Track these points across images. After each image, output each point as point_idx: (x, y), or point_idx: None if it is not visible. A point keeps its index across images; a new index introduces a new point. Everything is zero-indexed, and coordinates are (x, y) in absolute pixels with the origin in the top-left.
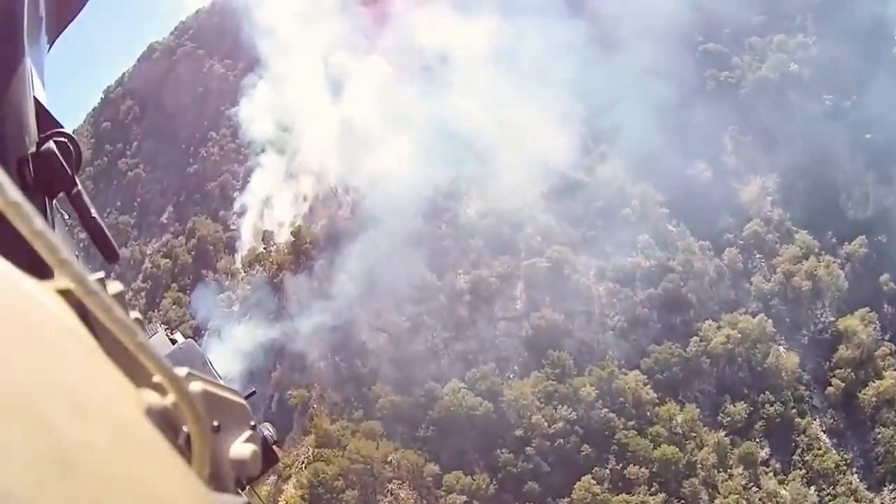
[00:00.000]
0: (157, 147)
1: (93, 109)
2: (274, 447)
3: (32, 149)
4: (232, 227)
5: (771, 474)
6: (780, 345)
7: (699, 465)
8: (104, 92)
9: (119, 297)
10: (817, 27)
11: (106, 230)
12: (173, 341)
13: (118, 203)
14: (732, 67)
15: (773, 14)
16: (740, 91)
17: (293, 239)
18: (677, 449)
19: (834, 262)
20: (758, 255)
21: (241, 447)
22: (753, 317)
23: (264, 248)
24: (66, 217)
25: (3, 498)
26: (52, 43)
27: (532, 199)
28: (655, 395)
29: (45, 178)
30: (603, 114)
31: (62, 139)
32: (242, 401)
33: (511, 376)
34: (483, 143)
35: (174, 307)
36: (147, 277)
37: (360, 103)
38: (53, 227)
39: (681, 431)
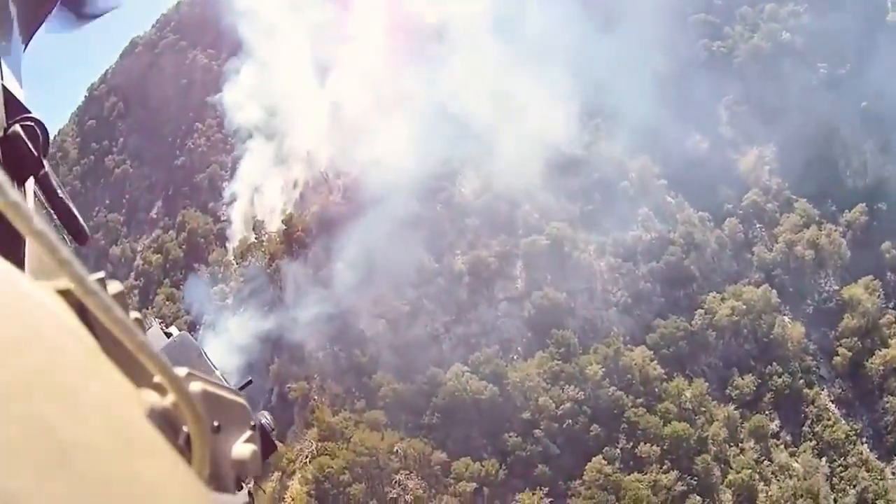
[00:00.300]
0: (143, 142)
1: (77, 108)
2: (272, 436)
3: (0, 134)
4: (223, 219)
5: (782, 447)
6: (784, 315)
7: (710, 441)
8: (88, 90)
9: (119, 297)
10: None
11: (74, 211)
12: (168, 335)
13: (107, 201)
14: (724, 37)
15: None
16: (734, 61)
17: (285, 227)
18: (688, 425)
19: (835, 231)
20: (758, 225)
21: (241, 447)
22: (757, 287)
23: (256, 238)
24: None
25: (3, 498)
26: (27, 41)
27: (529, 176)
28: (663, 371)
29: (13, 163)
30: (598, 87)
31: (28, 122)
32: (242, 401)
33: (515, 358)
34: (478, 120)
35: (167, 303)
36: (139, 275)
37: (350, 84)
38: None
39: (690, 407)
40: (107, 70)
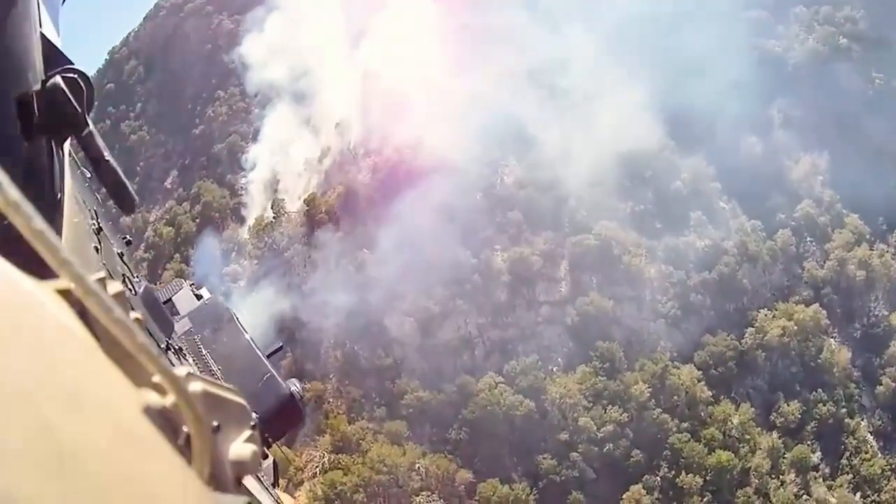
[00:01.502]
0: (161, 108)
1: (97, 71)
2: (302, 405)
3: (37, 86)
4: (240, 193)
5: (820, 479)
6: (832, 338)
7: (753, 473)
8: (109, 53)
9: (119, 296)
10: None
11: (123, 177)
12: (199, 297)
13: (120, 168)
14: (779, 36)
15: None
16: (789, 63)
17: (306, 208)
18: (732, 455)
19: (888, 252)
20: (809, 239)
21: (241, 447)
22: (807, 305)
23: (274, 218)
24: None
25: (3, 498)
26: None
27: (574, 169)
28: (710, 394)
29: (51, 118)
30: (653, 82)
31: (71, 75)
32: (242, 400)
33: (555, 370)
34: (524, 107)
35: (177, 280)
36: (149, 247)
37: (386, 53)
38: (61, 174)
39: (736, 435)
40: (129, 33)
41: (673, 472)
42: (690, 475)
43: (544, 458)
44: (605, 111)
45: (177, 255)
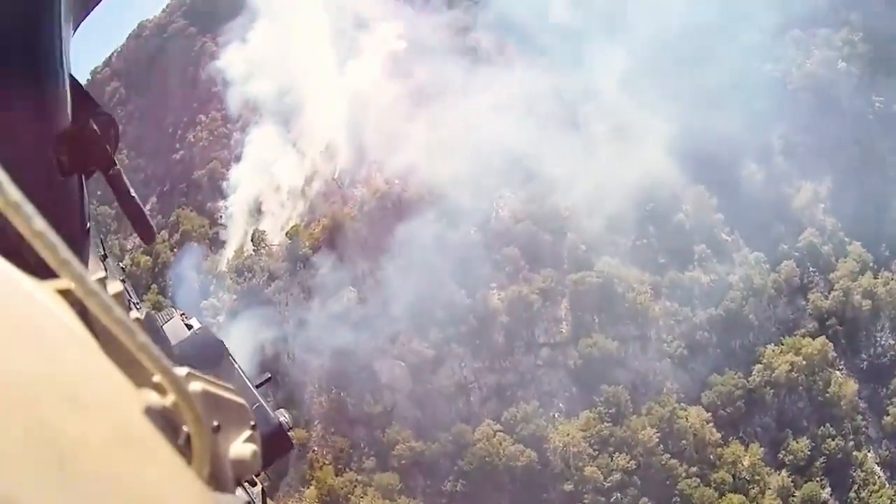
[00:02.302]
0: (142, 132)
1: None
2: (290, 434)
3: (67, 124)
4: (220, 222)
5: None
6: (838, 370)
7: None
8: (91, 73)
9: (119, 297)
10: (862, 22)
11: (144, 211)
12: (189, 326)
13: (98, 192)
14: (776, 60)
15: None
16: (787, 87)
17: (289, 241)
18: (743, 497)
19: (893, 279)
20: (812, 269)
21: (241, 447)
22: (813, 339)
23: (254, 251)
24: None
25: (3, 498)
26: (76, 27)
27: (574, 201)
28: (719, 436)
29: (84, 156)
30: (648, 107)
31: (103, 117)
32: (242, 401)
33: (557, 416)
34: (519, 134)
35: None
36: (126, 276)
37: (373, 75)
38: (87, 200)
39: (746, 476)
40: (112, 53)
41: None
42: None
43: None
44: (603, 140)
45: (154, 286)
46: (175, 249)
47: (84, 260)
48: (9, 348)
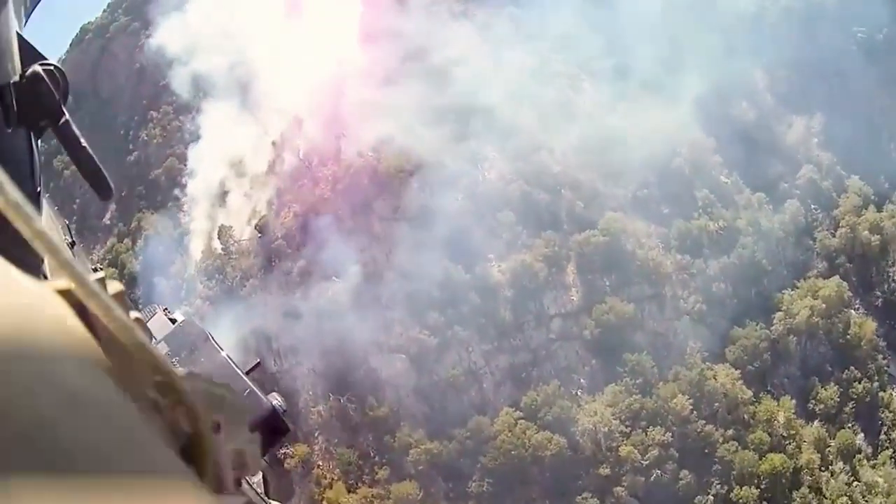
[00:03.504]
0: (94, 138)
1: None
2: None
3: (16, 78)
4: (183, 223)
5: (865, 461)
6: (854, 309)
7: (804, 470)
8: None
9: (119, 296)
10: None
11: (98, 163)
12: (173, 321)
13: (55, 207)
14: None
15: None
16: (766, 22)
17: (259, 235)
18: (784, 457)
19: None
20: (814, 207)
21: (241, 447)
22: (825, 279)
23: (223, 249)
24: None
25: (3, 500)
26: (32, 8)
27: (563, 154)
28: (751, 393)
29: (30, 107)
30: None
31: (49, 67)
32: (242, 401)
33: (580, 394)
34: (495, 87)
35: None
36: None
37: (336, 39)
38: (37, 161)
39: (783, 433)
40: (58, 61)
41: (726, 488)
42: (745, 487)
43: (585, 499)
44: (583, 86)
45: (129, 305)
46: (140, 257)
47: None
48: (9, 348)
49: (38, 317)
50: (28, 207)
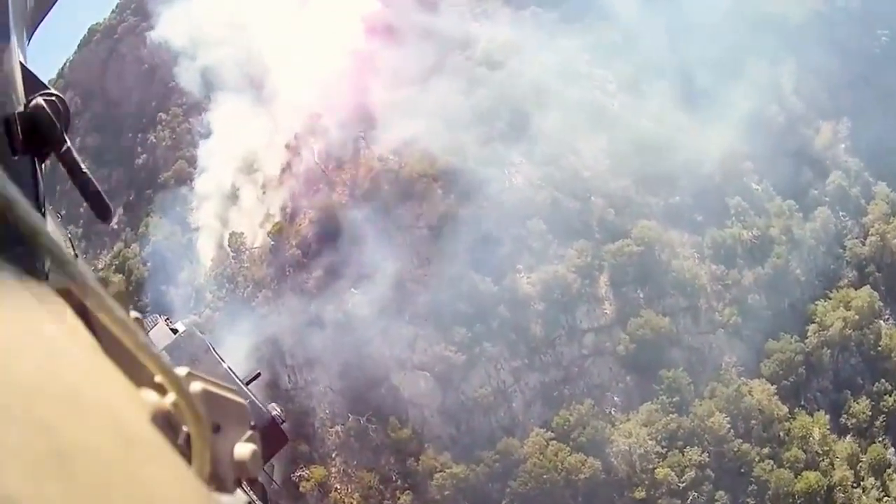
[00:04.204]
0: (102, 141)
1: None
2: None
3: (20, 108)
4: (193, 227)
5: (894, 475)
6: (883, 320)
7: (837, 487)
8: None
9: (119, 296)
10: None
11: (98, 187)
12: (174, 331)
13: (62, 211)
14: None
15: None
16: (789, 24)
17: (272, 242)
18: (819, 474)
19: None
20: (842, 214)
21: (241, 447)
22: (856, 289)
23: (234, 258)
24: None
25: (3, 500)
26: (31, 33)
27: (593, 159)
28: (786, 409)
29: (34, 136)
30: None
31: (51, 97)
32: (242, 401)
33: (613, 412)
34: (525, 86)
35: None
36: None
37: (353, 32)
38: (42, 185)
39: (818, 450)
40: (65, 63)
41: None
42: None
43: None
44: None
45: (129, 306)
46: (148, 264)
47: None
48: (9, 348)
49: (38, 317)
50: (28, 207)
